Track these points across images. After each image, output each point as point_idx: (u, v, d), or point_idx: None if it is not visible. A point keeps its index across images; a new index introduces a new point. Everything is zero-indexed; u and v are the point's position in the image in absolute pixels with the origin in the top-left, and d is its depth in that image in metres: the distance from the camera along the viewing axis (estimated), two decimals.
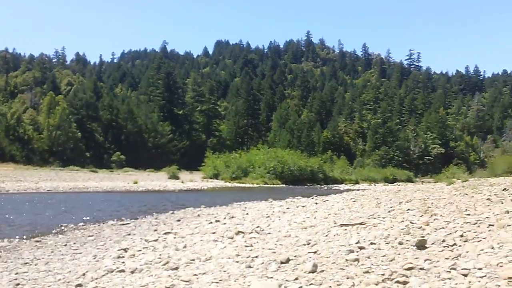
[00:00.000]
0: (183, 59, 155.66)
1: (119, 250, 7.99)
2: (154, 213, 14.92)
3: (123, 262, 6.83)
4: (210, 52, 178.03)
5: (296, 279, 4.80)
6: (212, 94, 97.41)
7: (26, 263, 7.34)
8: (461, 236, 5.92)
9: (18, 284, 5.93)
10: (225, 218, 11.98)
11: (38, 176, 35.25)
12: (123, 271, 6.19)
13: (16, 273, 6.58)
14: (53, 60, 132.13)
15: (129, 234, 10.21)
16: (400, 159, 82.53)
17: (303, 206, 14.13)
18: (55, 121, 62.84)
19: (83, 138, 66.55)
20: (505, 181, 17.37)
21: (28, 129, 60.52)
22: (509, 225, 6.17)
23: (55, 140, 62.44)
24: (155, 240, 8.77)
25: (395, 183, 54.29)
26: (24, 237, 10.07)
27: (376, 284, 4.35)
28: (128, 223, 12.23)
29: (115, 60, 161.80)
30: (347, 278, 4.70)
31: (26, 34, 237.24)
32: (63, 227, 11.71)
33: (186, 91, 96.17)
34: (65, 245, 9.03)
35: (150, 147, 72.46)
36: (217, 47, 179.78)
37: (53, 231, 11.07)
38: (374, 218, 8.71)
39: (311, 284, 4.60)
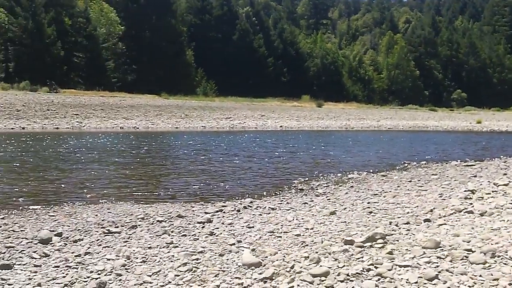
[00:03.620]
0: None
1: (465, 191, 7.76)
2: (501, 156, 13.85)
3: (471, 204, 6.61)
4: None
5: None
6: None
7: (375, 194, 7.99)
8: None
9: (371, 212, 6.55)
10: None
11: (379, 115, 37.39)
12: (471, 212, 6.02)
13: (368, 202, 7.28)
14: (391, 0, 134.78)
15: (475, 176, 9.76)
16: None
17: None
18: (394, 61, 64.95)
19: (421, 76, 66.71)
20: None
21: (368, 70, 64.61)
22: None
23: (394, 80, 64.69)
24: (505, 185, 8.12)
25: None
26: (371, 171, 10.98)
27: None
28: (473, 165, 11.70)
29: None
30: None
31: None
32: (406, 164, 12.19)
33: None
34: (410, 181, 9.36)
35: (495, 83, 66.46)
36: None
37: (397, 168, 11.65)
38: None
39: None
